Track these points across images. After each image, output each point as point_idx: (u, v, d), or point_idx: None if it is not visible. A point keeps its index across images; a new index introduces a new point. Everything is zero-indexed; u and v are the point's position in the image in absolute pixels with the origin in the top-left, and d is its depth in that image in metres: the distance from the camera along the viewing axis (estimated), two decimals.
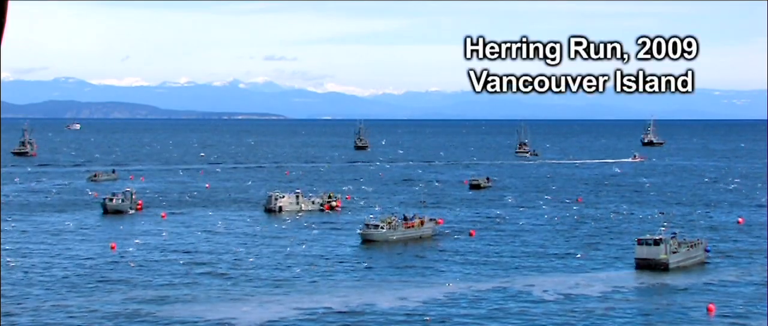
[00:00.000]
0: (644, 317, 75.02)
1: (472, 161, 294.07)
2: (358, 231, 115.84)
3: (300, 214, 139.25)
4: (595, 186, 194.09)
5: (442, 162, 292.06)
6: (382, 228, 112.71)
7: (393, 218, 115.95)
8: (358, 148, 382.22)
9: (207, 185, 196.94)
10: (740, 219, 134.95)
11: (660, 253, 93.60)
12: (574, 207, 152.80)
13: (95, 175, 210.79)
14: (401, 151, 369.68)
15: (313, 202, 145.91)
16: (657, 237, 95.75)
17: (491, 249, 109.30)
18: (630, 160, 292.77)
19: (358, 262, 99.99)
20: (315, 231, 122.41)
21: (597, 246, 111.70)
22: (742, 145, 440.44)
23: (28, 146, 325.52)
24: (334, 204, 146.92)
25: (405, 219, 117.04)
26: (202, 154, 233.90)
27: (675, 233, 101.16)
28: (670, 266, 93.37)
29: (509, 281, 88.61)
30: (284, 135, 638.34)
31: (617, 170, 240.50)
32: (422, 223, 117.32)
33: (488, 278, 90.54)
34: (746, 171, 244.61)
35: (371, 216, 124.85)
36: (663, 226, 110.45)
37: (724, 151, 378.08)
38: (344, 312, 75.81)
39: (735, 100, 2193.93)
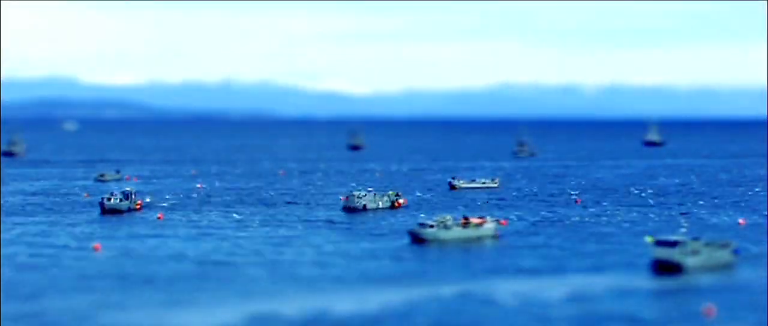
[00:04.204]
0: (640, 316, 73.08)
1: (462, 162, 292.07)
2: (408, 230, 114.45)
3: (378, 212, 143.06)
4: (595, 187, 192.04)
5: (440, 162, 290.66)
6: (432, 227, 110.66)
7: (447, 217, 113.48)
8: (353, 147, 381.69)
9: (199, 185, 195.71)
10: (741, 221, 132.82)
11: (677, 255, 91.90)
12: (574, 208, 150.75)
13: (102, 175, 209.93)
14: (396, 151, 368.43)
15: (384, 200, 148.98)
16: (674, 239, 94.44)
17: (493, 250, 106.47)
18: None
19: (386, 262, 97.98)
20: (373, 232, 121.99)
21: (607, 247, 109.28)
22: (742, 144, 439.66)
23: (17, 146, 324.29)
24: (401, 201, 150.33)
25: (464, 218, 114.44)
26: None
27: (698, 238, 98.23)
28: (688, 268, 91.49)
29: (514, 283, 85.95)
30: (281, 134, 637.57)
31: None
32: (483, 223, 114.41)
33: (489, 279, 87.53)
34: (746, 171, 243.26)
35: (422, 215, 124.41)
36: (683, 227, 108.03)
37: (724, 150, 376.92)
38: (342, 313, 72.73)
39: (736, 99, 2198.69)
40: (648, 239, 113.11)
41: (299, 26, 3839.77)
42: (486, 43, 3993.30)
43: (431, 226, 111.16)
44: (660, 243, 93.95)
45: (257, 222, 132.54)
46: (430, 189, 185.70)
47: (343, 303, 77.79)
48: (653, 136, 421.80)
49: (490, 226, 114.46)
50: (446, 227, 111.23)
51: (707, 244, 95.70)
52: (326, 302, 77.83)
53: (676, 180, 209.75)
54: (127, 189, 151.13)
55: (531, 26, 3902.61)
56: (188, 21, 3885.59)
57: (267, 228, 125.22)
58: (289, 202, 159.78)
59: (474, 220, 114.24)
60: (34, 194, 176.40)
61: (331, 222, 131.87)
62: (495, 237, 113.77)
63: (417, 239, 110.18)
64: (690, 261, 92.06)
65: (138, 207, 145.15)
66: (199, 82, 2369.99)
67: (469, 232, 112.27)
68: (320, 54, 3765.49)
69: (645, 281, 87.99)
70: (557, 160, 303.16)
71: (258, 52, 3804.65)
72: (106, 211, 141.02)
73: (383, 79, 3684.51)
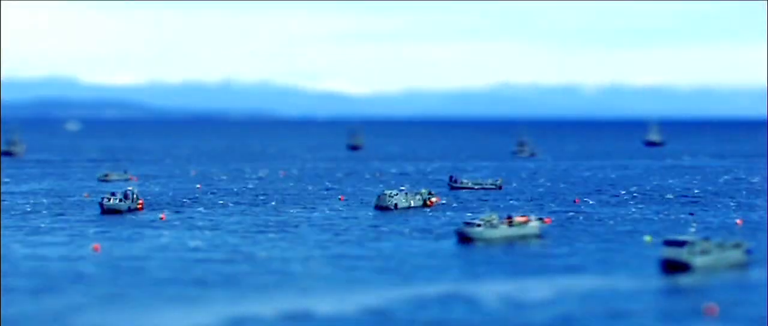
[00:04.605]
0: (639, 316, 72.92)
1: (463, 162, 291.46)
2: (456, 229, 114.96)
3: (409, 210, 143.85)
4: (597, 187, 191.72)
5: (440, 162, 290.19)
6: (479, 226, 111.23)
7: (494, 216, 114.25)
8: (352, 147, 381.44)
9: (198, 186, 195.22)
10: (739, 221, 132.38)
11: (685, 254, 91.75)
12: (575, 208, 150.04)
13: (106, 175, 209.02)
14: (395, 150, 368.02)
15: (416, 199, 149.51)
16: (682, 238, 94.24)
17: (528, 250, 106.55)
18: None
19: (441, 261, 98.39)
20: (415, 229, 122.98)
21: (613, 247, 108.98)
22: (742, 144, 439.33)
23: (16, 146, 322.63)
24: (434, 200, 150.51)
25: (508, 217, 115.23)
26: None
27: (708, 238, 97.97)
28: (696, 267, 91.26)
29: (507, 283, 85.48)
30: (280, 135, 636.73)
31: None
32: (527, 222, 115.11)
33: (497, 281, 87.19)
34: (746, 171, 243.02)
35: (468, 214, 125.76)
36: (692, 227, 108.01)
37: (725, 150, 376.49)
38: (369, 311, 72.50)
39: (736, 99, 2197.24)
40: (647, 238, 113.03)
41: (299, 26, 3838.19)
42: (486, 43, 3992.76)
43: (478, 225, 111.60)
44: (669, 243, 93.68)
45: (266, 222, 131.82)
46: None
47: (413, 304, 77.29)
48: (654, 136, 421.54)
49: (534, 225, 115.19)
50: (493, 226, 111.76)
51: (718, 244, 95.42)
52: (392, 304, 77.25)
53: (677, 181, 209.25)
54: (129, 189, 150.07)
55: (531, 26, 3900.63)
56: (188, 21, 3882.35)
57: (281, 230, 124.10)
58: (301, 203, 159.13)
59: (518, 219, 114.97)
60: (34, 194, 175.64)
61: (368, 221, 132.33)
62: (539, 235, 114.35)
63: (464, 238, 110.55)
64: (698, 261, 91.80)
65: (139, 207, 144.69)
66: (199, 82, 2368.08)
67: (514, 231, 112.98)
68: (320, 54, 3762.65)
69: (652, 281, 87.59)
70: (558, 160, 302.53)
71: (258, 52, 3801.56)
72: (106, 211, 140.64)
73: (383, 79, 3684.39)
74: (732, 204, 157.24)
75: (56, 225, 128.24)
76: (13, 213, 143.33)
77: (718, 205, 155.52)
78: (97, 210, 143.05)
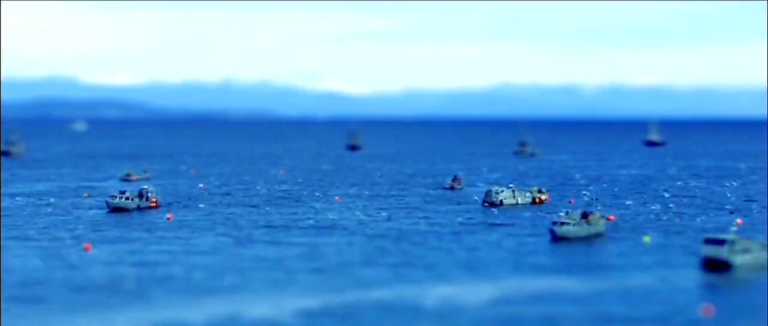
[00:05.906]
0: (639, 315, 72.99)
1: (463, 162, 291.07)
2: (550, 228, 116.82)
3: (516, 207, 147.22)
4: (600, 187, 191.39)
5: (437, 162, 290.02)
6: (573, 225, 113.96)
7: (575, 215, 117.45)
8: (351, 147, 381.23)
9: (202, 185, 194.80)
10: (739, 221, 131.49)
11: (725, 253, 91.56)
12: (575, 208, 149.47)
13: (129, 175, 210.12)
14: (395, 151, 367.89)
15: (525, 196, 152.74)
16: (722, 237, 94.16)
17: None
18: None
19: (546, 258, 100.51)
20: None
21: (629, 246, 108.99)
22: (742, 144, 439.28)
23: (15, 146, 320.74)
24: (543, 197, 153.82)
25: (584, 215, 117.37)
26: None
27: (751, 236, 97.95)
28: (736, 266, 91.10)
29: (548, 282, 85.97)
30: (280, 135, 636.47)
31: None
32: (595, 220, 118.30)
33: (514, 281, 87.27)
34: (745, 171, 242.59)
35: (562, 213, 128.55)
36: (734, 226, 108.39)
37: (725, 150, 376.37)
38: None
39: (736, 99, 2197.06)
40: (646, 239, 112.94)
41: (299, 26, 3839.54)
42: (486, 43, 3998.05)
43: (573, 225, 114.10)
44: (709, 241, 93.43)
45: (276, 221, 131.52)
46: (430, 190, 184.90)
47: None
48: (654, 136, 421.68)
49: (602, 222, 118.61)
50: (578, 224, 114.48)
51: (761, 243, 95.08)
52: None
53: (676, 180, 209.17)
54: (144, 187, 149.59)
55: (531, 26, 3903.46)
56: (188, 21, 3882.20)
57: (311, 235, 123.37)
58: (312, 202, 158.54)
59: (590, 217, 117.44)
60: (32, 195, 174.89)
61: (478, 218, 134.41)
62: (605, 232, 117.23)
63: (558, 237, 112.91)
64: (738, 260, 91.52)
65: (153, 205, 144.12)
66: (199, 82, 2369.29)
67: (592, 228, 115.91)
68: (320, 54, 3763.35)
69: (691, 279, 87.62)
70: (559, 160, 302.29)
71: (258, 52, 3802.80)
72: (112, 210, 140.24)
73: (383, 79, 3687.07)
74: (729, 204, 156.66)
75: (57, 224, 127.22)
76: (10, 213, 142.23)
77: (715, 205, 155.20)
78: (104, 210, 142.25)
